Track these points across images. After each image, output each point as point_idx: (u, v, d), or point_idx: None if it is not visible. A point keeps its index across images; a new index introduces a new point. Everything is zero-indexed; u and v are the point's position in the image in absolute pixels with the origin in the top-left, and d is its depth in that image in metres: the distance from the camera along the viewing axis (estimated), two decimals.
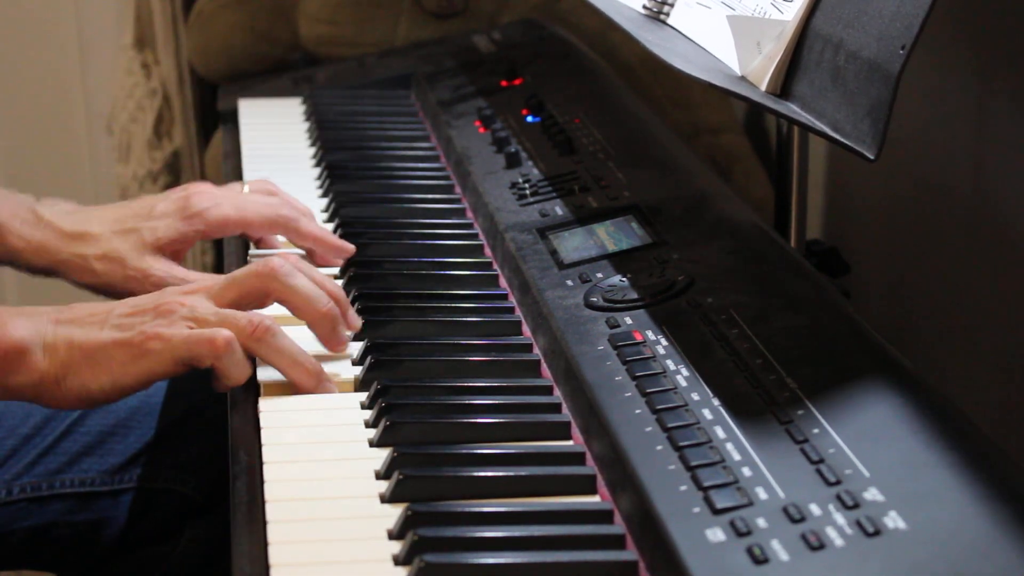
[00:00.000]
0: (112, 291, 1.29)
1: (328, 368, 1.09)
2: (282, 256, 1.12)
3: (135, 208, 1.33)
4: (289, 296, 1.10)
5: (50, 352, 1.06)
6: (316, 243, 1.31)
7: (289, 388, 1.08)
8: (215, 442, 1.31)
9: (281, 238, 1.33)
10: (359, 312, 1.17)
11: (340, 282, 1.25)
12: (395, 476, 0.94)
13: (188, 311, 1.07)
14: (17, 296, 2.51)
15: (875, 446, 0.86)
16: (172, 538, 1.38)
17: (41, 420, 1.36)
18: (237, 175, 1.55)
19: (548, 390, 1.06)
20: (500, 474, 0.95)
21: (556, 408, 1.04)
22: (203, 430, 1.39)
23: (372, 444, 1.00)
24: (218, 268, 2.24)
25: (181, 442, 1.38)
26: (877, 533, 0.79)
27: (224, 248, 1.38)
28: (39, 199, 1.34)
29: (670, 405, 0.94)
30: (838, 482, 0.83)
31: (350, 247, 1.30)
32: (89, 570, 1.40)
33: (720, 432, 0.91)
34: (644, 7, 1.34)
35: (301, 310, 1.11)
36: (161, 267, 1.29)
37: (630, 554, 0.87)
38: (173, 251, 1.31)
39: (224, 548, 0.93)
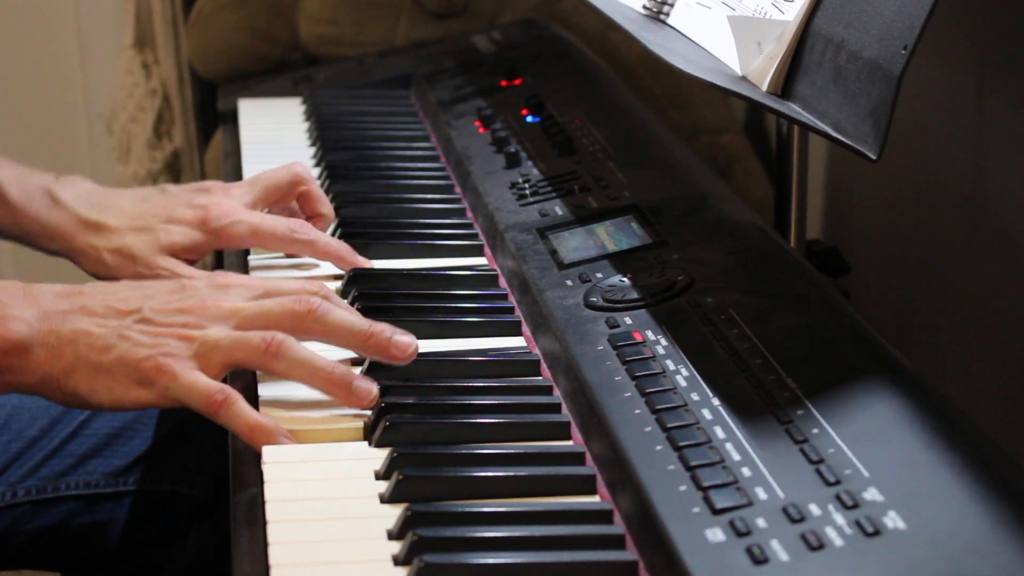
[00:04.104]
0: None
1: None
2: (315, 289, 1.08)
3: (155, 206, 1.32)
4: (330, 335, 1.06)
5: (53, 354, 1.04)
6: (333, 260, 1.28)
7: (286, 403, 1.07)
8: (219, 443, 1.31)
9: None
10: (359, 313, 1.17)
11: (340, 283, 1.25)
12: (395, 476, 0.94)
13: (205, 346, 1.03)
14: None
15: (875, 446, 0.86)
16: (178, 540, 1.38)
17: (47, 423, 1.36)
18: (237, 175, 1.55)
19: (548, 390, 1.06)
20: (500, 474, 0.95)
21: (556, 408, 1.04)
22: (207, 431, 1.38)
23: (372, 444, 1.00)
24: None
25: (186, 444, 1.38)
26: (877, 533, 0.79)
27: (224, 256, 1.37)
28: (58, 176, 1.34)
29: (670, 405, 0.94)
30: (838, 482, 0.83)
31: (364, 261, 1.27)
32: (94, 572, 1.40)
33: (720, 432, 0.91)
34: (644, 7, 1.34)
35: (343, 343, 1.07)
36: (171, 268, 1.28)
37: (630, 554, 0.87)
38: (186, 257, 1.30)
39: (228, 549, 0.93)
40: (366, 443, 1.00)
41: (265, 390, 1.07)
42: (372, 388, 1.03)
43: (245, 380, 1.09)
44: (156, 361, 1.02)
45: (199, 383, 1.02)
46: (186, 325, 1.04)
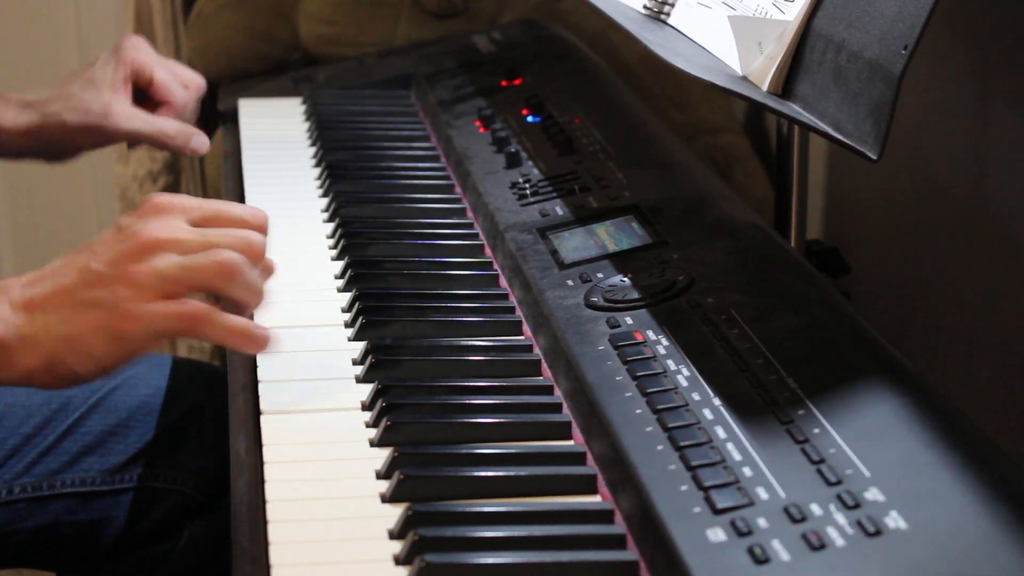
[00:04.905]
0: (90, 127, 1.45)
1: (328, 368, 1.10)
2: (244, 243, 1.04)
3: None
4: (232, 300, 1.03)
5: (32, 345, 1.01)
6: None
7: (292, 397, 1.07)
8: (215, 441, 1.31)
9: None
10: (359, 312, 1.17)
11: (340, 282, 1.25)
12: (396, 476, 0.94)
13: (156, 277, 1.00)
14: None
15: (875, 446, 0.86)
16: (173, 537, 1.39)
17: (42, 420, 1.36)
18: (237, 175, 1.55)
19: (548, 390, 1.06)
20: (500, 474, 0.95)
21: (556, 408, 1.04)
22: (203, 429, 1.39)
23: (372, 444, 1.00)
24: None
25: (181, 442, 1.39)
26: (878, 533, 0.79)
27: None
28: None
29: (671, 405, 0.94)
30: (839, 482, 0.83)
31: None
32: (90, 569, 1.40)
33: (721, 432, 0.91)
34: (645, 7, 1.34)
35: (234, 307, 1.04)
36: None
37: (631, 554, 0.87)
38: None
39: (225, 547, 0.93)
40: (367, 443, 1.01)
41: (265, 374, 1.08)
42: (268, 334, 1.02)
43: (247, 367, 1.09)
44: (120, 310, 1.00)
45: (168, 308, 1.00)
46: (133, 264, 1.01)
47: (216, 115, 1.82)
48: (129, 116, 1.46)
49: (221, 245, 1.02)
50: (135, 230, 1.03)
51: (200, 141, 1.48)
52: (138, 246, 1.02)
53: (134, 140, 1.49)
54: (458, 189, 1.45)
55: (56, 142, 1.47)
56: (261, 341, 1.01)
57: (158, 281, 1.00)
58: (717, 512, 0.83)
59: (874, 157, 1.00)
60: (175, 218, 1.04)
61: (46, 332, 1.02)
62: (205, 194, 2.42)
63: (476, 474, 0.95)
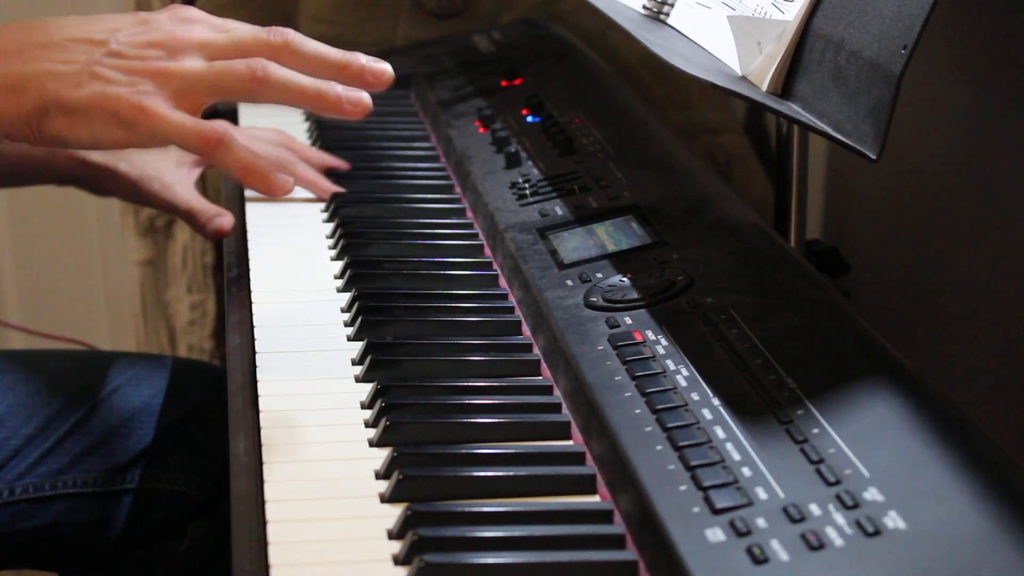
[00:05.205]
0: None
1: (328, 368, 1.10)
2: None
3: None
4: (306, 65, 1.02)
5: (16, 93, 0.95)
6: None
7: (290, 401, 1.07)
8: (216, 442, 1.31)
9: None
10: (358, 312, 1.17)
11: (340, 282, 1.25)
12: (395, 476, 0.94)
13: (181, 79, 0.96)
14: (16, 296, 2.51)
15: (875, 446, 0.86)
16: (174, 538, 1.39)
17: (44, 421, 1.36)
18: None
19: (548, 390, 1.06)
20: (500, 474, 0.95)
21: (556, 408, 1.04)
22: (204, 430, 1.39)
23: (372, 444, 1.00)
24: (218, 268, 2.24)
25: (183, 442, 1.39)
26: (877, 533, 0.79)
27: (224, 250, 1.38)
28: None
29: (670, 405, 0.94)
30: (838, 482, 0.83)
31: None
32: (92, 570, 1.40)
33: (720, 432, 0.91)
34: (644, 7, 1.34)
35: (319, 73, 1.03)
36: None
37: (630, 554, 0.87)
38: None
39: (225, 547, 0.93)
40: (366, 443, 1.01)
41: (265, 374, 1.08)
42: (363, 96, 1.00)
43: (246, 368, 1.09)
44: (134, 100, 0.96)
45: (188, 121, 0.97)
46: (160, 59, 0.98)
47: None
48: (170, 188, 1.42)
49: (250, 44, 1.00)
50: (164, 25, 1.00)
51: (222, 222, 1.39)
52: (169, 40, 0.99)
53: (168, 211, 1.45)
54: (458, 189, 1.45)
55: (104, 183, 1.42)
56: (276, 185, 0.98)
57: (187, 84, 0.97)
58: (716, 512, 0.83)
59: (873, 157, 1.00)
60: (203, 26, 1.01)
61: (38, 84, 0.96)
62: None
63: (475, 474, 0.95)
